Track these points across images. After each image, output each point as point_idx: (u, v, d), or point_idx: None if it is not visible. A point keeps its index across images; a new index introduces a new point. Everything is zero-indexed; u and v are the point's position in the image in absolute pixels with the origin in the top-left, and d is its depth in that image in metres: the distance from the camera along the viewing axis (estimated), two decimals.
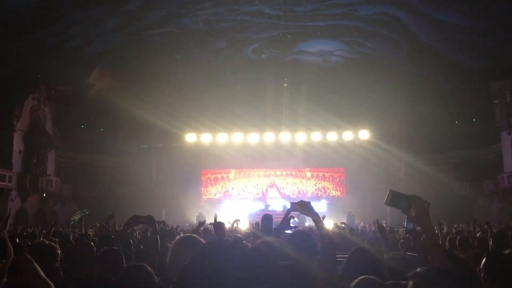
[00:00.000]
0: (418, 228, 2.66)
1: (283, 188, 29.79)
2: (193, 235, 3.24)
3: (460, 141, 27.25)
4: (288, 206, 3.43)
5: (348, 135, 27.64)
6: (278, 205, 25.88)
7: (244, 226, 14.10)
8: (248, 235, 8.32)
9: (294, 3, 21.21)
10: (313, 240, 3.75)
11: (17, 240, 5.83)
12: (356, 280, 2.44)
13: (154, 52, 24.41)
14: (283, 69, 26.63)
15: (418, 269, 1.97)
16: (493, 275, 2.78)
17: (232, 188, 30.10)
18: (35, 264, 2.42)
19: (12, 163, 23.17)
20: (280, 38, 24.17)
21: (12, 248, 2.15)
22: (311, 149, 28.12)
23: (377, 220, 7.86)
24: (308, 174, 29.91)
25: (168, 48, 24.32)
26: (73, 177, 28.26)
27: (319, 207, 27.50)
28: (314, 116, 26.88)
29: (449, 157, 27.52)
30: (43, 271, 2.47)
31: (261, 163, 29.38)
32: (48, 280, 2.42)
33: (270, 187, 29.87)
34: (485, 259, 2.86)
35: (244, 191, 29.96)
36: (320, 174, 29.85)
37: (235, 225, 11.23)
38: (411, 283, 1.92)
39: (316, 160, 28.89)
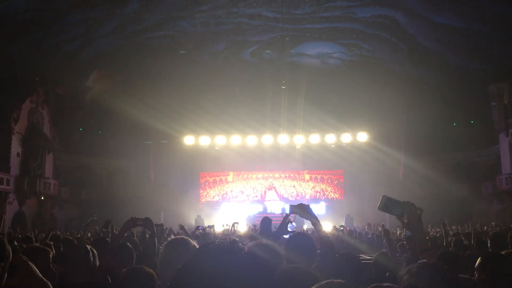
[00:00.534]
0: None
1: (281, 190, 29.76)
2: (184, 237, 3.22)
3: (458, 143, 27.27)
4: (287, 208, 3.43)
5: (346, 137, 27.63)
6: (276, 208, 25.84)
7: (242, 228, 14.09)
8: (246, 237, 8.31)
9: (292, 6, 21.24)
10: (312, 241, 3.74)
11: (15, 243, 5.81)
12: None
13: (152, 54, 24.41)
14: (282, 72, 26.64)
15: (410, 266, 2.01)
16: (490, 275, 2.78)
17: (231, 191, 30.06)
18: (31, 264, 2.39)
19: (10, 166, 23.08)
20: (278, 41, 24.18)
21: (11, 250, 2.14)
22: (310, 151, 28.10)
23: (383, 224, 7.87)
24: (307, 177, 29.89)
25: (167, 51, 24.33)
26: (71, 180, 28.17)
27: (318, 209, 27.47)
28: (313, 118, 26.89)
29: (447, 159, 27.51)
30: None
31: (260, 166, 29.36)
32: (45, 279, 2.40)
33: (269, 189, 29.83)
34: (480, 260, 2.87)
35: (242, 193, 29.92)
36: (319, 177, 29.83)
37: (233, 228, 11.22)
38: (405, 277, 1.94)
39: (314, 163, 28.86)
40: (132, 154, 28.81)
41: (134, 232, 10.16)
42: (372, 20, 21.98)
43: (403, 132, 28.15)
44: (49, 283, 2.34)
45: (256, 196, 29.63)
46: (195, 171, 29.85)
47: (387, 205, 2.58)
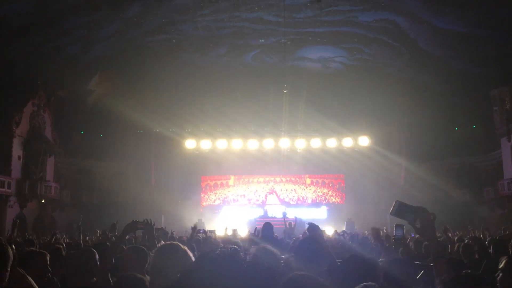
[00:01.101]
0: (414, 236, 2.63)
1: (282, 194, 29.70)
2: (174, 242, 3.19)
3: (460, 147, 27.20)
4: (288, 213, 3.40)
5: (348, 142, 27.59)
6: (277, 212, 25.76)
7: (243, 233, 14.04)
8: (247, 242, 8.28)
9: (294, 10, 21.26)
10: (321, 247, 3.70)
11: (13, 247, 5.79)
12: None
13: (154, 58, 24.43)
14: (283, 75, 26.63)
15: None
16: None
17: (232, 195, 30.01)
18: (28, 278, 2.37)
19: (11, 169, 23.10)
20: (280, 45, 24.20)
21: (12, 254, 2.12)
22: (311, 155, 28.05)
23: (375, 227, 7.83)
24: (308, 181, 29.83)
25: (168, 54, 24.36)
26: (72, 183, 28.16)
27: (319, 213, 27.43)
28: (314, 122, 26.89)
29: (449, 163, 27.46)
30: (34, 278, 2.42)
31: (261, 170, 29.30)
32: None
33: (270, 193, 29.77)
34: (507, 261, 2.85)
35: (243, 197, 29.87)
36: (320, 181, 29.77)
37: (231, 233, 11.16)
38: None
39: (315, 167, 28.81)
40: (133, 157, 28.80)
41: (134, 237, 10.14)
42: (374, 25, 21.99)
43: (405, 137, 28.10)
44: None
45: (257, 200, 29.58)
46: (196, 174, 29.81)
47: (400, 210, 2.54)
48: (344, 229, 21.38)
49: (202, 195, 29.95)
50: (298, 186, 29.82)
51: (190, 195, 28.26)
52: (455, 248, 7.02)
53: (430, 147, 27.09)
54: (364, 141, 27.51)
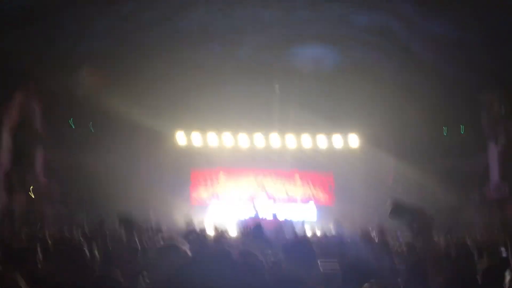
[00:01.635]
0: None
1: (272, 192, 29.73)
2: (175, 244, 3.22)
3: (448, 150, 27.49)
4: (278, 214, 3.42)
5: (338, 142, 27.75)
6: (267, 212, 25.83)
7: (232, 232, 14.13)
8: (238, 242, 8.36)
9: (289, 9, 21.29)
10: (311, 248, 3.74)
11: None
12: None
13: (146, 52, 24.30)
14: (275, 73, 26.68)
15: None
16: None
17: (221, 191, 30.00)
18: (16, 275, 2.39)
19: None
20: (273, 42, 24.23)
21: None
22: (301, 154, 28.19)
23: (365, 229, 7.93)
24: (298, 179, 29.91)
25: (161, 50, 24.24)
26: (61, 177, 27.92)
27: (308, 213, 27.60)
28: (304, 121, 26.98)
29: (437, 166, 27.66)
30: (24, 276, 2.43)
31: (251, 166, 29.34)
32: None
33: (259, 191, 29.78)
34: None
35: (233, 194, 29.86)
36: (310, 180, 29.87)
37: (224, 233, 11.23)
38: None
39: (305, 166, 28.94)
40: (123, 152, 28.64)
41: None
42: (367, 26, 22.12)
43: (395, 137, 28.35)
44: None
45: (247, 198, 29.61)
46: (186, 170, 29.76)
47: (397, 211, 2.39)
48: (332, 229, 21.60)
49: (191, 191, 29.90)
50: (288, 184, 29.89)
51: (179, 191, 28.22)
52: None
53: (419, 149, 27.36)
54: (354, 141, 27.70)
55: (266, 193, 29.64)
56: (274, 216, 16.59)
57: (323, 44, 24.48)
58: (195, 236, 10.81)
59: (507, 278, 3.05)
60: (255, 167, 29.48)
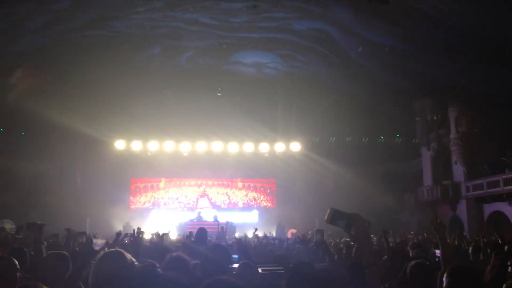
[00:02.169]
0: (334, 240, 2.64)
1: (214, 198, 29.58)
2: (119, 250, 3.02)
3: (384, 155, 28.52)
4: (219, 216, 3.35)
5: (279, 147, 28.04)
6: (209, 216, 25.61)
7: (173, 236, 13.80)
8: (178, 246, 8.14)
9: (230, 14, 21.28)
10: (227, 252, 3.70)
11: None
12: None
13: (83, 54, 23.44)
14: (217, 79, 26.61)
15: None
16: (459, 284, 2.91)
17: (162, 198, 29.46)
18: None
19: None
20: (215, 48, 24.13)
21: None
22: (243, 159, 28.24)
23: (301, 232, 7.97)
24: (240, 184, 29.94)
25: (98, 52, 23.46)
26: None
27: (251, 217, 27.63)
28: (247, 127, 27.04)
29: (375, 170, 28.59)
30: None
31: (193, 173, 29.02)
32: None
33: (201, 197, 29.55)
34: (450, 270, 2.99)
35: (174, 200, 29.41)
36: (252, 185, 29.99)
37: (164, 237, 10.91)
38: None
39: (248, 171, 29.03)
40: (57, 158, 27.39)
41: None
42: (307, 33, 22.52)
43: (334, 143, 29.05)
44: None
45: (189, 204, 29.27)
46: (126, 177, 28.96)
47: (335, 217, 2.51)
48: (274, 233, 21.73)
49: (131, 198, 29.15)
50: (230, 189, 29.85)
51: (118, 198, 27.35)
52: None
53: (357, 154, 28.19)
54: (296, 146, 28.09)
55: (208, 200, 29.47)
56: (215, 218, 16.43)
57: (265, 50, 24.69)
58: (131, 240, 10.42)
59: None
60: (197, 175, 29.19)
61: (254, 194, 29.86)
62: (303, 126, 27.72)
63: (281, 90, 26.82)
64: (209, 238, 9.37)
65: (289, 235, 17.74)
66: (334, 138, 29.21)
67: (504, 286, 3.89)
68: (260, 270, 5.39)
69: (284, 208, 27.05)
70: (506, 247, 7.06)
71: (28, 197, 26.05)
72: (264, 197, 29.88)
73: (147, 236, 14.73)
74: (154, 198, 29.43)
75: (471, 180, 23.80)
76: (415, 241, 11.40)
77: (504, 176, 21.31)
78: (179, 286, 1.56)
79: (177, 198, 29.45)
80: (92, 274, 2.59)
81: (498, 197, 21.88)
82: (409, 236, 15.44)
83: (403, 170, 29.42)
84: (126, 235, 9.46)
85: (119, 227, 23.69)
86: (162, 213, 27.75)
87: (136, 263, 2.56)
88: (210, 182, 29.79)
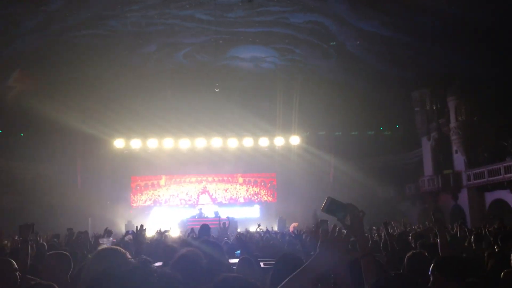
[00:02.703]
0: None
1: (215, 194, 29.59)
2: (114, 247, 2.99)
3: (384, 146, 28.50)
4: (220, 212, 3.33)
5: (279, 141, 28.00)
6: (210, 212, 25.63)
7: (175, 233, 13.80)
8: (181, 243, 8.12)
9: (225, 9, 21.24)
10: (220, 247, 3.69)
11: None
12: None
13: (80, 54, 23.39)
14: (215, 75, 26.56)
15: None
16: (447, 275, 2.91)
17: (163, 195, 29.47)
18: None
19: None
20: (211, 43, 24.08)
21: None
22: (243, 154, 28.20)
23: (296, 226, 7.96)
24: (240, 180, 29.94)
25: (95, 51, 23.41)
26: None
27: (252, 212, 27.66)
28: (246, 122, 27.01)
29: (374, 161, 28.62)
30: None
31: (193, 169, 28.99)
32: None
33: (202, 193, 29.55)
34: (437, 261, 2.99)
35: (175, 197, 29.42)
36: (252, 180, 29.98)
37: (164, 234, 10.89)
38: None
39: (248, 166, 29.00)
40: (57, 158, 27.39)
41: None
42: (304, 26, 22.47)
43: (333, 136, 29.02)
44: None
45: (190, 200, 29.27)
46: (126, 175, 28.96)
47: (331, 207, 2.53)
48: (275, 227, 21.75)
49: (132, 196, 29.16)
50: (231, 185, 29.85)
51: (119, 196, 27.37)
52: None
53: (356, 146, 28.19)
54: (295, 140, 28.04)
55: (209, 196, 29.49)
56: (216, 214, 16.47)
57: (261, 44, 24.63)
58: (134, 238, 10.39)
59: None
60: (197, 172, 29.18)
61: (255, 189, 29.88)
62: (302, 120, 27.66)
63: (279, 84, 26.77)
64: (212, 235, 9.37)
65: (291, 229, 17.74)
66: (333, 131, 29.17)
67: (502, 274, 3.87)
68: (262, 265, 5.38)
69: (285, 202, 27.06)
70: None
71: (28, 198, 26.07)
72: (264, 192, 29.89)
73: (150, 233, 14.75)
74: (155, 196, 29.43)
75: (472, 169, 23.77)
76: (418, 231, 11.40)
77: (505, 164, 21.27)
78: (174, 283, 1.50)
79: (178, 196, 29.46)
80: (85, 271, 2.57)
81: (499, 185, 21.85)
82: (413, 227, 15.46)
83: (403, 161, 29.42)
84: (127, 233, 9.44)
85: (121, 226, 23.74)
86: (163, 211, 27.75)
87: (131, 260, 2.53)
88: (210, 178, 29.79)
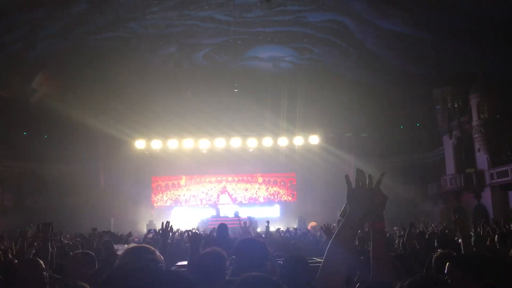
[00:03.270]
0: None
1: (234, 194, 29.70)
2: (144, 245, 3.06)
3: (405, 145, 28.17)
4: (240, 212, 3.35)
5: (298, 140, 27.92)
6: (229, 211, 25.72)
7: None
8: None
9: (244, 9, 21.32)
10: (263, 247, 3.67)
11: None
12: None
13: (102, 56, 23.77)
14: (234, 75, 26.65)
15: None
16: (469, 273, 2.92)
17: (183, 195, 29.70)
18: None
19: None
20: (230, 44, 24.18)
21: None
22: (262, 154, 28.21)
23: (325, 224, 7.97)
24: (260, 179, 30.00)
25: (116, 53, 23.75)
26: (15, 187, 26.91)
27: (272, 212, 27.66)
28: (265, 121, 27.05)
29: (395, 161, 28.30)
30: None
31: (213, 169, 29.15)
32: None
33: (222, 193, 29.70)
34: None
35: (195, 197, 29.63)
36: (272, 179, 30.01)
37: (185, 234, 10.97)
38: None
39: (267, 165, 29.01)
40: (80, 159, 27.86)
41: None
42: (322, 25, 22.39)
43: (354, 135, 28.80)
44: None
45: (210, 200, 29.44)
46: (147, 176, 29.28)
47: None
48: (295, 226, 21.70)
49: (153, 196, 29.47)
50: (250, 185, 29.92)
51: (140, 197, 27.71)
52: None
53: (377, 145, 27.93)
54: (315, 139, 27.93)
55: (229, 196, 29.61)
56: (236, 214, 16.46)
57: (280, 44, 24.64)
58: (157, 237, 10.54)
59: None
60: (217, 172, 29.32)
61: (275, 189, 29.89)
62: (322, 119, 27.53)
63: (298, 83, 26.70)
64: (233, 235, 9.41)
65: (309, 228, 17.71)
66: (353, 130, 28.94)
67: None
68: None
69: (305, 202, 27.01)
70: None
71: (52, 199, 26.61)
72: (284, 191, 29.87)
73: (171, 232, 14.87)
74: (176, 196, 29.69)
75: (495, 167, 23.35)
76: (446, 231, 11.24)
77: None
78: (185, 283, 1.47)
79: (198, 195, 29.66)
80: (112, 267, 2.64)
81: None
82: (432, 225, 15.26)
83: (424, 160, 29.05)
84: (149, 231, 9.51)
85: (142, 225, 24.03)
86: (183, 211, 27.97)
87: (160, 257, 2.58)
88: (230, 178, 29.91)
